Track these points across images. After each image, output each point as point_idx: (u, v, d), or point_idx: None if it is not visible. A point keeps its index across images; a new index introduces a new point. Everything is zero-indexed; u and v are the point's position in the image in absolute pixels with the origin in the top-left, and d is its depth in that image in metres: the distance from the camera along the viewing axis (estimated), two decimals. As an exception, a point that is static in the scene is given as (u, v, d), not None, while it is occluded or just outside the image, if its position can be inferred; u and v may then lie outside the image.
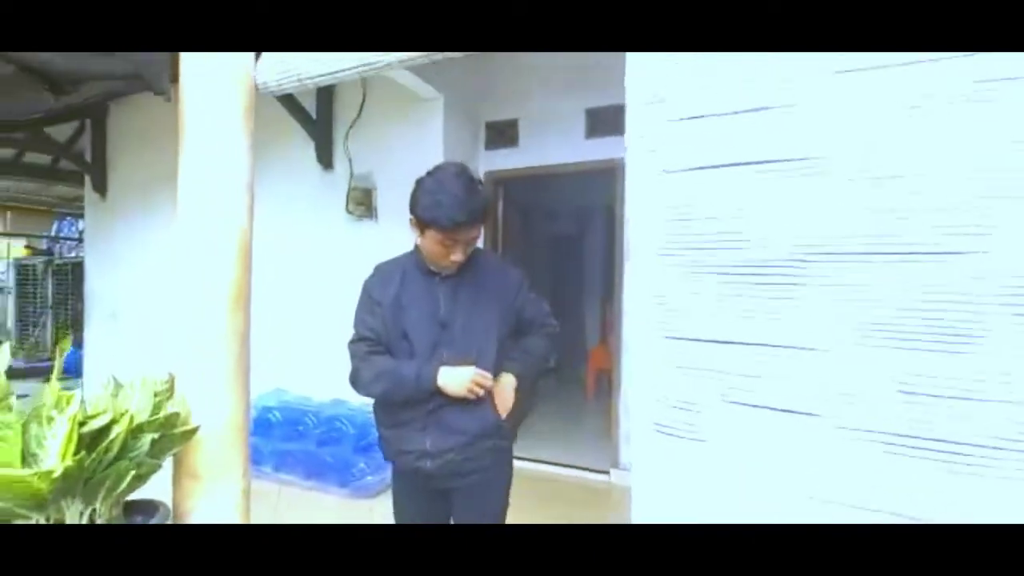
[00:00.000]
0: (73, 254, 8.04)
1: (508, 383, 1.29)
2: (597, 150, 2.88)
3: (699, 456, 1.01)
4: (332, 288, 3.27)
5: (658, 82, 1.04)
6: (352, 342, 1.36)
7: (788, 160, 0.92)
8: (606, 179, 2.96)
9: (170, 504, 1.54)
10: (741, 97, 0.96)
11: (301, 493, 2.76)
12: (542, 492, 2.80)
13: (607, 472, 3.04)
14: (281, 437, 2.91)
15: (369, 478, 2.61)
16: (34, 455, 1.08)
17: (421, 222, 1.23)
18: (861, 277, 0.88)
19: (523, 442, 3.58)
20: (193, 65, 1.50)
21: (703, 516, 1.01)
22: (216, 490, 1.53)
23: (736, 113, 0.96)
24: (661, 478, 1.07)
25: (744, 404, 0.97)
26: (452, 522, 1.33)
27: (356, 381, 1.33)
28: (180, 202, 1.54)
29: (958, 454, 0.82)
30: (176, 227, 1.57)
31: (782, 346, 0.94)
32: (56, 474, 1.00)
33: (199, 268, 1.52)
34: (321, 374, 3.26)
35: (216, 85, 1.51)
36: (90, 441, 1.14)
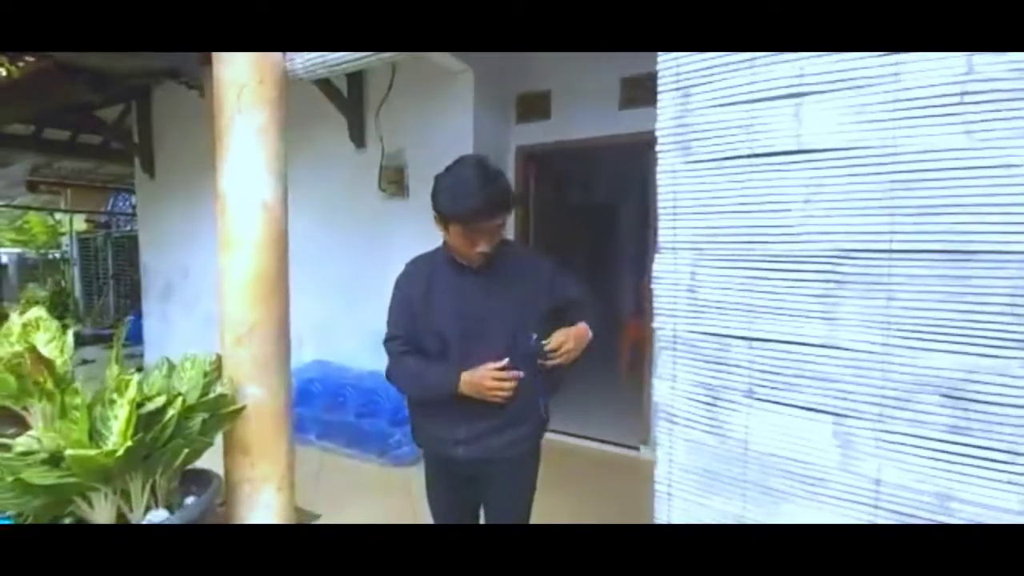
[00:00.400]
0: (128, 227, 8.49)
1: (583, 329, 1.27)
2: (632, 122, 2.79)
3: (719, 450, 1.01)
4: (367, 265, 3.35)
5: (689, 72, 0.99)
6: (386, 340, 1.40)
7: (826, 150, 0.88)
8: (641, 150, 2.88)
9: (222, 475, 1.66)
10: (776, 86, 0.91)
11: (342, 460, 2.92)
12: (571, 466, 2.85)
13: (636, 448, 3.07)
14: (322, 407, 3.06)
15: (405, 448, 2.73)
16: (99, 434, 1.19)
17: (443, 217, 1.23)
18: (899, 275, 0.84)
19: (554, 415, 3.63)
20: (225, 57, 1.53)
21: (719, 510, 1.02)
22: (264, 463, 1.64)
23: (770, 100, 0.92)
24: (681, 468, 1.09)
25: (769, 401, 0.96)
26: (482, 506, 1.38)
27: (390, 379, 1.38)
28: (219, 194, 1.60)
29: (998, 461, 0.79)
30: (217, 220, 1.64)
31: (813, 344, 0.91)
32: (119, 453, 1.10)
33: (238, 258, 1.58)
34: (358, 347, 3.38)
35: (247, 75, 1.53)
36: (147, 421, 1.23)
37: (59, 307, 8.12)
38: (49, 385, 1.13)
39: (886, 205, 0.85)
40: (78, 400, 1.16)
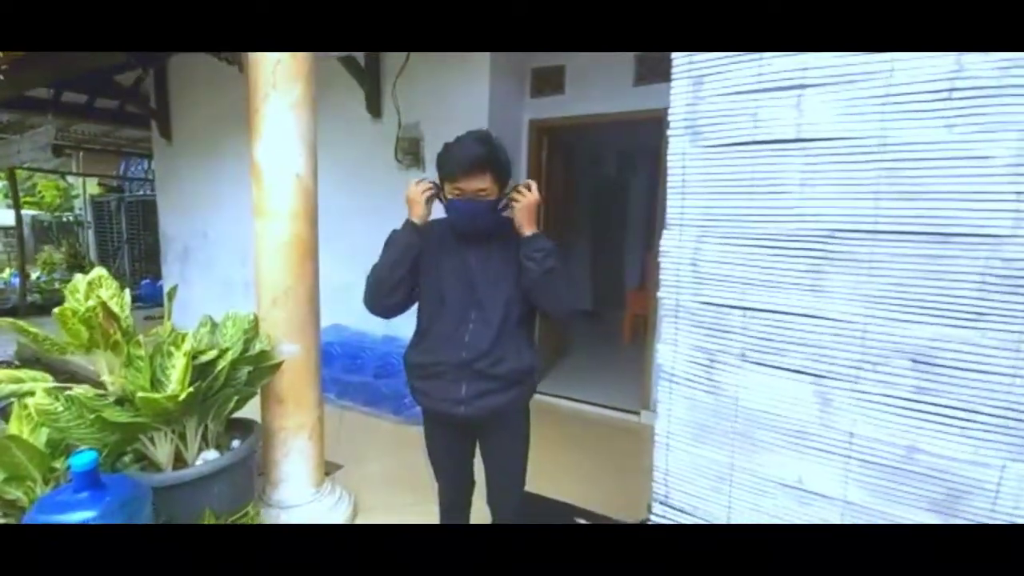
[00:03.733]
0: (141, 192, 8.59)
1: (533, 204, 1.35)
2: (645, 98, 2.83)
3: (713, 407, 1.14)
4: (382, 234, 3.46)
5: (702, 62, 1.08)
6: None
7: (822, 139, 0.97)
8: (653, 127, 2.93)
9: (260, 423, 1.82)
10: (781, 78, 0.99)
11: (360, 418, 3.09)
12: (573, 430, 3.01)
13: (637, 413, 3.23)
14: (341, 369, 3.22)
15: (419, 408, 2.89)
16: (159, 381, 1.33)
17: (440, 178, 1.34)
18: (881, 254, 0.94)
19: (558, 381, 3.80)
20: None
21: (714, 459, 1.15)
22: (298, 413, 1.80)
23: (775, 91, 1.00)
24: (679, 422, 1.22)
25: (759, 364, 1.08)
26: (482, 455, 1.51)
27: (366, 294, 1.42)
28: (254, 165, 1.70)
29: (958, 419, 0.91)
30: (252, 190, 1.74)
31: (800, 314, 1.03)
32: (181, 397, 1.25)
33: (273, 226, 1.70)
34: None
35: (279, 52, 1.61)
36: (200, 371, 1.38)
37: (75, 270, 8.31)
38: (118, 336, 1.26)
39: (873, 190, 0.95)
40: (141, 351, 1.31)
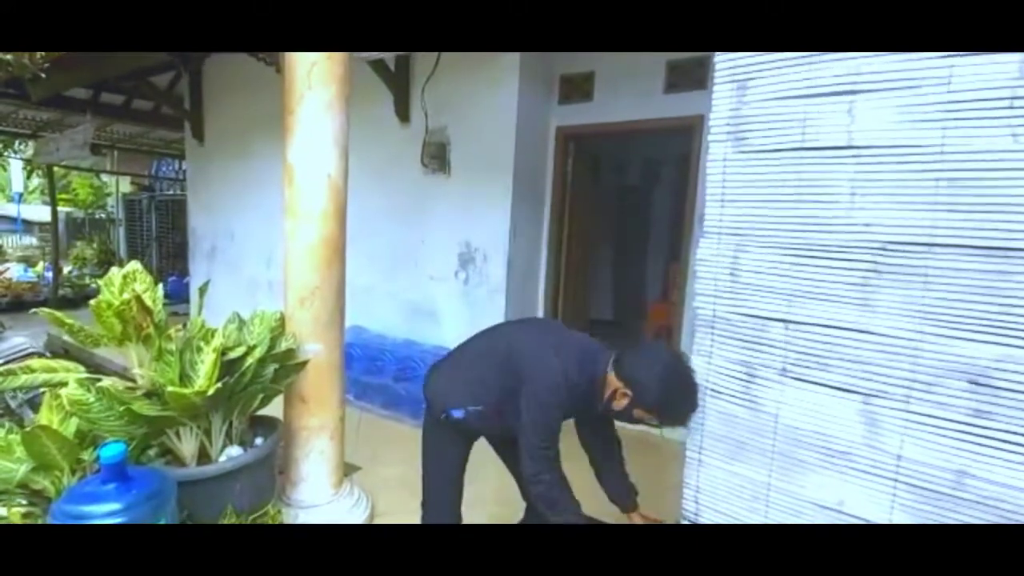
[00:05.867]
0: (171, 192, 8.80)
1: None
2: (676, 106, 2.79)
3: (751, 423, 1.10)
4: (406, 237, 3.47)
5: (747, 66, 1.05)
6: (547, 448, 1.21)
7: (875, 147, 0.93)
8: (683, 134, 2.89)
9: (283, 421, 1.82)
10: (832, 83, 0.96)
11: (378, 420, 3.09)
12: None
13: (659, 427, 3.16)
14: (361, 370, 3.23)
15: (438, 413, 2.88)
16: (188, 376, 1.34)
17: (650, 408, 1.18)
18: (937, 267, 0.89)
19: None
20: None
21: (750, 477, 1.11)
22: (321, 412, 1.80)
23: (825, 96, 0.97)
24: (713, 437, 1.17)
25: (802, 380, 1.03)
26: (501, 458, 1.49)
27: (553, 496, 1.21)
28: (287, 166, 1.71)
29: (1018, 444, 0.86)
30: (284, 190, 1.75)
31: (848, 328, 0.98)
32: (209, 392, 1.25)
33: (304, 227, 1.70)
34: (394, 316, 3.53)
35: (317, 51, 1.62)
36: (228, 367, 1.38)
37: (105, 264, 8.54)
38: (150, 330, 1.27)
39: (930, 201, 0.91)
40: (171, 345, 1.31)
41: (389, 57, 2.99)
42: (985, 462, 0.89)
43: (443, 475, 1.38)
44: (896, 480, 0.97)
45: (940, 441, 0.93)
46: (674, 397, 1.16)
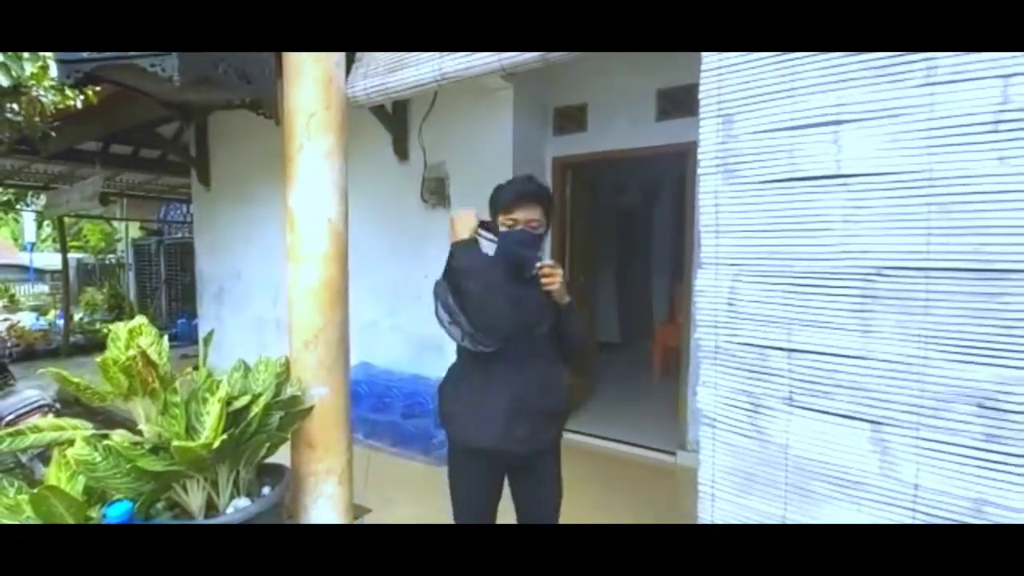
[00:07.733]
0: (179, 235, 8.96)
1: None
2: (668, 133, 2.84)
3: (761, 454, 1.08)
4: (409, 272, 3.50)
5: (730, 97, 1.07)
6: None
7: (864, 175, 0.94)
8: (676, 160, 2.92)
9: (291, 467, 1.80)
10: (814, 112, 0.98)
11: (388, 458, 3.06)
12: (607, 471, 2.90)
13: (673, 453, 3.10)
14: (369, 408, 3.22)
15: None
16: (194, 428, 1.33)
17: (494, 212, 1.51)
18: (935, 291, 0.89)
19: (589, 418, 3.70)
20: (294, 87, 1.67)
21: (763, 511, 1.09)
22: (328, 457, 1.78)
23: (809, 127, 0.99)
24: (723, 470, 1.15)
25: (808, 408, 1.02)
26: (516, 497, 1.49)
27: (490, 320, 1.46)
28: (288, 211, 1.75)
29: (1031, 467, 0.84)
30: (286, 235, 1.78)
31: (849, 355, 0.97)
32: (215, 445, 1.24)
33: (306, 270, 1.73)
34: (400, 351, 3.53)
35: (315, 103, 1.68)
36: (234, 418, 1.38)
37: (115, 309, 8.65)
38: (156, 384, 1.28)
39: (922, 226, 0.91)
40: (177, 398, 1.32)
41: (387, 102, 3.07)
42: (1004, 488, 0.87)
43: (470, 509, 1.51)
44: (915, 511, 0.95)
45: (955, 468, 0.91)
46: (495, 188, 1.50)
